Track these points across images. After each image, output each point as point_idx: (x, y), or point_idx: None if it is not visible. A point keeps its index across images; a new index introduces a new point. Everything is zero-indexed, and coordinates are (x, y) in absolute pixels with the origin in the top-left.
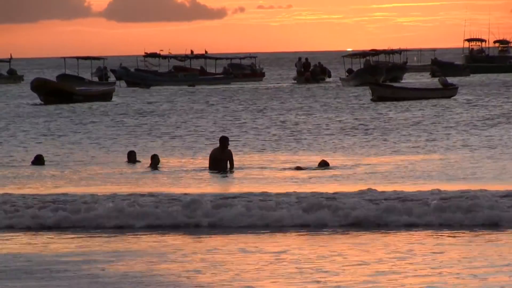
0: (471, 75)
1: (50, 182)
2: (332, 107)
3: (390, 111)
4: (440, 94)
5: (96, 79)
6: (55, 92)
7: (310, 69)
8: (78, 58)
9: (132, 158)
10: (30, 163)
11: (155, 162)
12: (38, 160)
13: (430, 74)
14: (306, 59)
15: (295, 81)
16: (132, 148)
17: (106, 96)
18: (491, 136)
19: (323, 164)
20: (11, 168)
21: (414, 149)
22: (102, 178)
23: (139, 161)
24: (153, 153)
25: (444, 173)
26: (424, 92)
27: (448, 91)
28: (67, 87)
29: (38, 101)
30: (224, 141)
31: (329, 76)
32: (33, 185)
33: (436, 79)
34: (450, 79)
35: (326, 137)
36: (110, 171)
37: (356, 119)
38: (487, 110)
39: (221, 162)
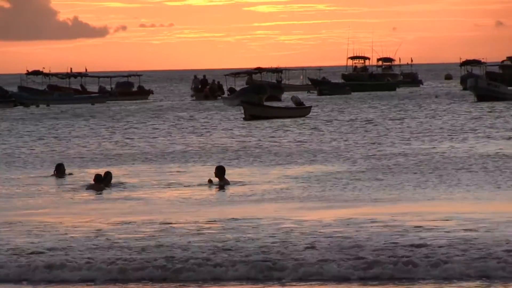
0: (353, 93)
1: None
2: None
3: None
4: (300, 113)
5: None
6: None
7: (208, 86)
8: None
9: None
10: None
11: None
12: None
13: (317, 93)
14: (204, 76)
15: (194, 98)
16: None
17: None
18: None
19: (219, 170)
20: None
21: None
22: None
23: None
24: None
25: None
26: (290, 111)
27: (304, 109)
28: None
29: None
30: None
31: (223, 93)
32: None
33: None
34: (332, 98)
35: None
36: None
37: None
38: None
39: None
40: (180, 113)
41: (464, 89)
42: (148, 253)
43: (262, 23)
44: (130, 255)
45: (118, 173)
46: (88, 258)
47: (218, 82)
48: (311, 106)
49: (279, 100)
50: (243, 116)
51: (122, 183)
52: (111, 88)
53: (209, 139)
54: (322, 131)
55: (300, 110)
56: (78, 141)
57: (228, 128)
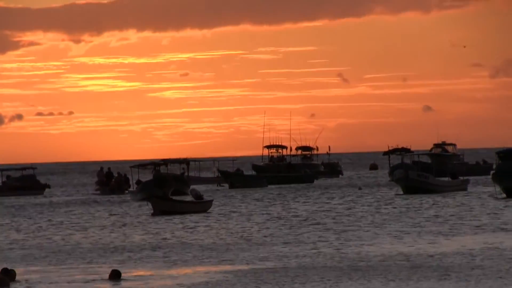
0: (269, 186)
1: None
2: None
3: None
4: (201, 208)
5: None
6: None
7: (113, 179)
8: None
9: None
10: None
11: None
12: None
13: (228, 186)
14: (109, 168)
15: (98, 192)
16: None
17: None
18: None
19: (115, 275)
20: None
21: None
22: None
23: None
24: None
25: None
26: (192, 205)
27: (205, 204)
28: None
29: None
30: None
31: (130, 187)
32: None
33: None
34: (245, 191)
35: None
36: None
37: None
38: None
39: None
40: (82, 209)
41: (392, 180)
42: None
43: (169, 110)
44: None
45: (19, 271)
46: None
47: (125, 174)
48: (212, 200)
49: (186, 193)
50: (152, 211)
51: (25, 280)
52: (3, 182)
53: (114, 236)
54: (221, 227)
55: (201, 205)
56: None
57: (134, 225)
